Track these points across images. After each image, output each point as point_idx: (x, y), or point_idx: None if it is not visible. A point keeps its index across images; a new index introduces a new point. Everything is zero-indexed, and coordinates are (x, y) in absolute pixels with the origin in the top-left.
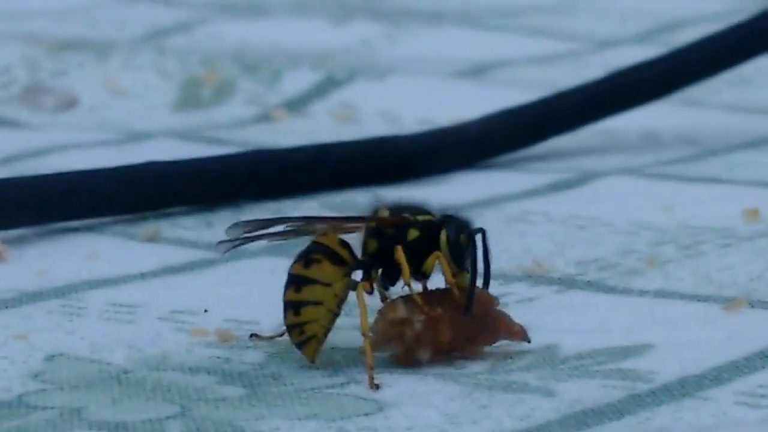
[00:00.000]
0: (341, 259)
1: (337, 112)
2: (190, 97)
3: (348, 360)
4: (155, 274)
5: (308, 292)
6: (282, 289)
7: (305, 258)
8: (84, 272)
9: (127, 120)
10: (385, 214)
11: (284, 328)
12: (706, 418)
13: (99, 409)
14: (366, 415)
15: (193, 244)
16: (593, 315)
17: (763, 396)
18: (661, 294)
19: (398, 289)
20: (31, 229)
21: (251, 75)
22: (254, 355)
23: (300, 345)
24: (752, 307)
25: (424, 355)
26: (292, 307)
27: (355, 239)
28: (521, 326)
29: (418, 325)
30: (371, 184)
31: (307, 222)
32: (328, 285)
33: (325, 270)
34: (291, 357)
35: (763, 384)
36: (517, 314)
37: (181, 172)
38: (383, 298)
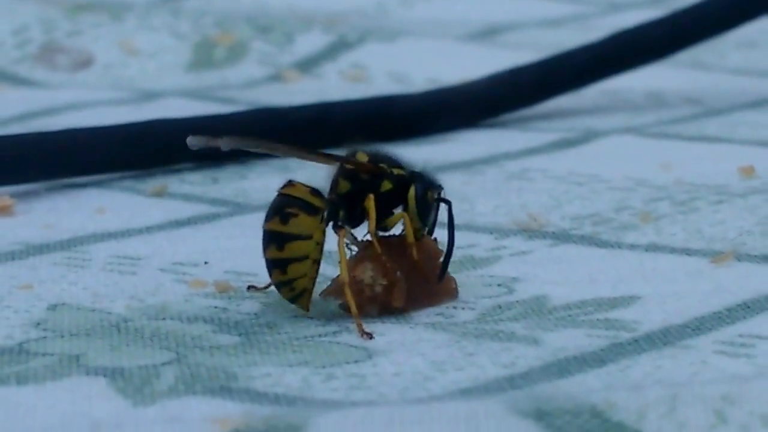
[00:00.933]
0: (315, 208)
1: (348, 73)
2: (203, 57)
3: (341, 310)
4: (160, 227)
5: (291, 249)
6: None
7: (280, 213)
8: (90, 226)
9: (140, 79)
10: (364, 159)
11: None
12: (685, 366)
13: (97, 356)
14: (355, 362)
15: (199, 199)
16: (584, 268)
17: (742, 345)
18: (652, 248)
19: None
20: (40, 184)
21: (264, 36)
22: (250, 306)
23: (293, 300)
24: (739, 260)
25: (373, 312)
26: (277, 266)
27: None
28: (456, 287)
29: (378, 289)
30: (377, 141)
31: (299, 152)
32: (308, 238)
33: (303, 223)
34: (286, 307)
35: (743, 334)
36: (510, 267)
37: (188, 129)
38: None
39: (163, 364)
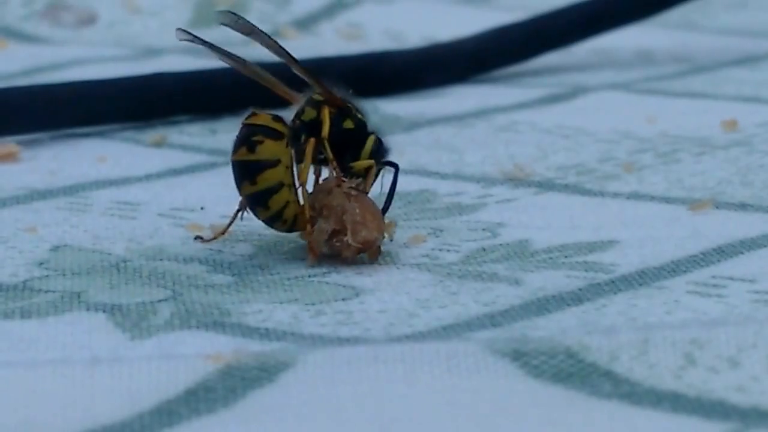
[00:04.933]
0: (279, 132)
1: (344, 31)
2: (203, 15)
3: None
4: (159, 175)
5: (264, 179)
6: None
7: (247, 143)
8: (92, 173)
9: (143, 36)
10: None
11: (227, 225)
12: (659, 305)
13: (97, 293)
14: (343, 299)
15: (197, 149)
16: (566, 214)
17: (715, 286)
18: (634, 196)
19: None
20: (45, 133)
21: None
22: (244, 248)
23: (290, 230)
24: (717, 208)
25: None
26: (258, 203)
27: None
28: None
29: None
30: (370, 96)
31: (287, 57)
32: (277, 163)
33: (269, 148)
34: (279, 250)
35: (716, 275)
36: (495, 213)
37: (187, 82)
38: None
39: (160, 301)
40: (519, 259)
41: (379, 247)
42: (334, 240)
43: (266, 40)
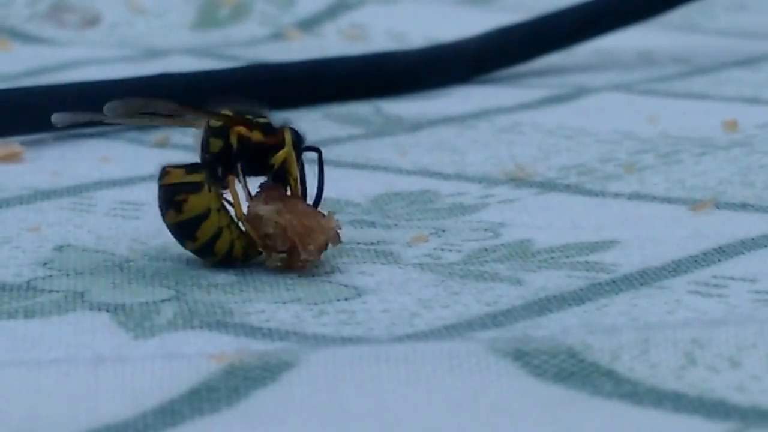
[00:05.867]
0: (198, 184)
1: (347, 32)
2: (207, 16)
3: (335, 252)
4: None
5: (203, 233)
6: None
7: (172, 205)
8: (96, 173)
9: (146, 37)
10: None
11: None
12: (660, 305)
13: (101, 293)
14: (346, 299)
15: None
16: (568, 214)
17: (715, 285)
18: (635, 196)
19: None
20: (48, 134)
21: None
22: None
23: (245, 261)
24: (718, 208)
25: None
26: (205, 255)
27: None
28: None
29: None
30: (373, 96)
31: (175, 111)
32: (209, 212)
33: (196, 203)
34: None
35: (716, 275)
36: (497, 213)
37: (190, 83)
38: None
39: (163, 300)
40: (521, 259)
41: (337, 233)
42: (294, 258)
43: (151, 118)
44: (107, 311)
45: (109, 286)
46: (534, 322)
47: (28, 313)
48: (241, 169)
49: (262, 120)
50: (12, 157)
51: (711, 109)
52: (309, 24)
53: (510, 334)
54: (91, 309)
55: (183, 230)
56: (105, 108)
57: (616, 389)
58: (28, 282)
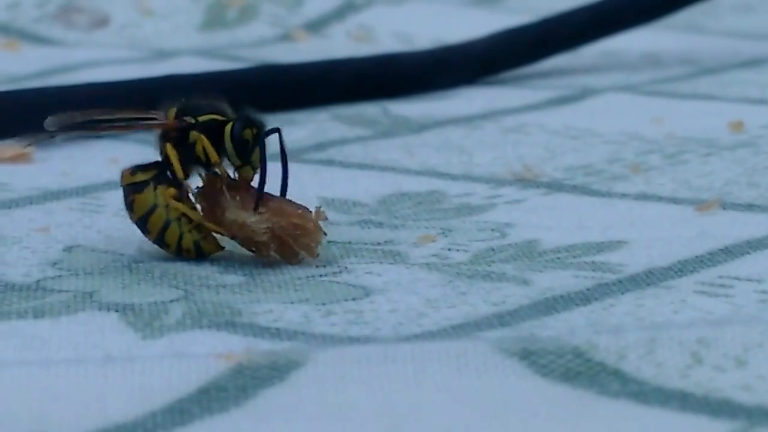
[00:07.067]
0: (140, 184)
1: (354, 33)
2: (215, 18)
3: (343, 252)
4: None
5: (153, 227)
6: None
7: (127, 206)
8: (105, 174)
9: (155, 39)
10: (172, 115)
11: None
12: (666, 305)
13: (110, 293)
14: (353, 299)
15: None
16: (574, 215)
17: (721, 285)
18: (641, 197)
19: None
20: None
21: None
22: None
23: (198, 256)
24: (724, 208)
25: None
26: (162, 247)
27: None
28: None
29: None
30: (380, 97)
31: (110, 120)
32: (155, 208)
33: (143, 202)
34: None
35: (722, 275)
36: (504, 213)
37: (198, 84)
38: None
39: (172, 300)
40: (527, 259)
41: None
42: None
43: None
44: (116, 311)
45: (118, 287)
46: (541, 321)
47: (38, 313)
48: (183, 169)
49: (204, 117)
50: (21, 158)
51: (717, 109)
52: (316, 25)
53: (517, 333)
54: (100, 309)
55: (140, 226)
56: (45, 123)
57: (622, 389)
58: (37, 282)
